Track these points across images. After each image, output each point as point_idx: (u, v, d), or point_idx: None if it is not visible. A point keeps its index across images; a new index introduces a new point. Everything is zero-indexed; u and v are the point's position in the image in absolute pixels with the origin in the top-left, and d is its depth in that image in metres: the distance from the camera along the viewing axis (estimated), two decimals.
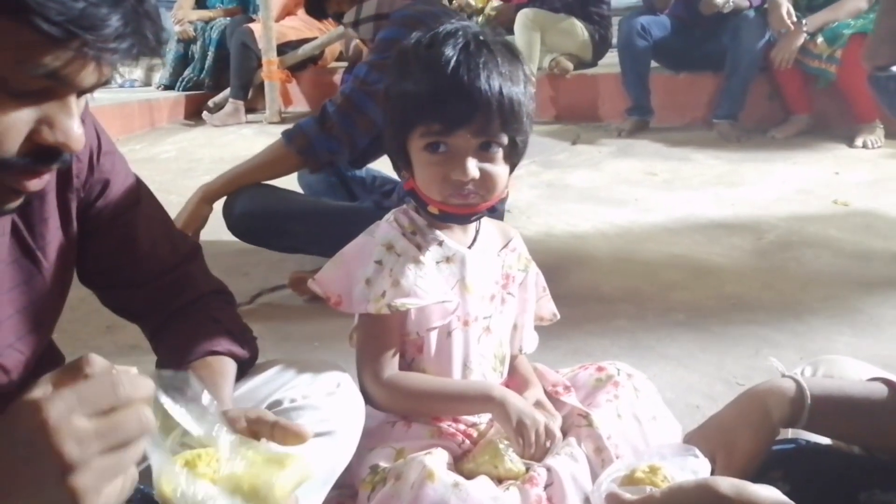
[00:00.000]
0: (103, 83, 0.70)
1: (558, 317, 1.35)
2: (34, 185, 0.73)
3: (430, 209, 1.16)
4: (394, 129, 1.15)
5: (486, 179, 1.11)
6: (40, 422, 0.53)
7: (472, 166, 1.09)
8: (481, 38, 1.11)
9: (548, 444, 1.11)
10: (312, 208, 2.24)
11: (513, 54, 1.13)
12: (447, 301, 1.16)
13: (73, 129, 0.70)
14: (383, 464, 1.08)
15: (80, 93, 0.71)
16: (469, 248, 1.20)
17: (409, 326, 1.17)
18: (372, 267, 1.14)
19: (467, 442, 1.16)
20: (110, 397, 0.56)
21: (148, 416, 0.59)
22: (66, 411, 0.54)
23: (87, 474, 0.54)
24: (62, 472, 0.53)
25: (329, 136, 2.06)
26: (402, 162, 1.17)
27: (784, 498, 0.75)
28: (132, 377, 0.58)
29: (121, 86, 5.98)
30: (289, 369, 1.05)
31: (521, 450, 1.09)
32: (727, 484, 0.77)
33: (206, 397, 0.70)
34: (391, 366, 1.15)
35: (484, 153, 1.11)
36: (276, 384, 1.02)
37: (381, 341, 1.16)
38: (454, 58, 1.07)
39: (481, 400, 1.14)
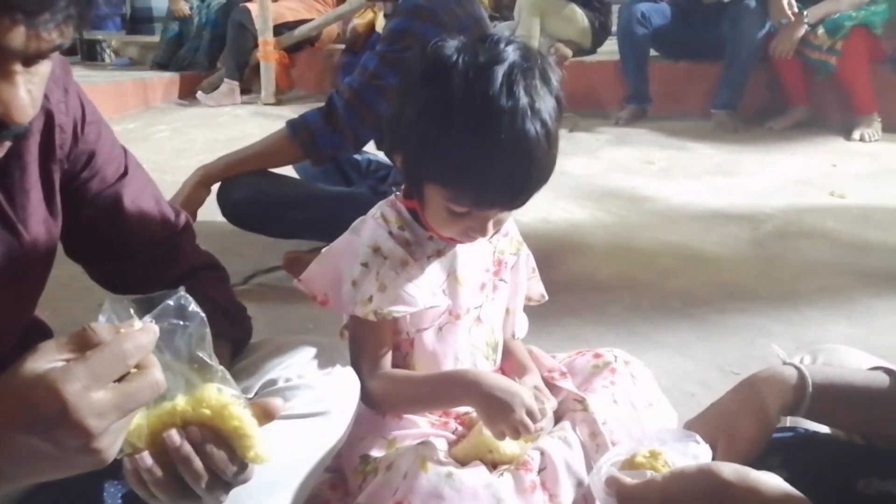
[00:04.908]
0: (51, 49, 0.64)
1: (546, 298, 1.31)
2: None
3: (429, 232, 1.11)
4: (412, 161, 1.04)
5: (496, 225, 1.07)
6: (60, 403, 0.56)
7: (491, 225, 1.05)
8: (543, 116, 0.96)
9: (539, 419, 1.05)
10: (308, 194, 2.21)
11: (560, 104, 1.01)
12: (436, 306, 1.12)
13: (15, 99, 0.64)
14: (374, 453, 1.07)
15: (27, 60, 0.65)
16: None
17: (400, 326, 1.14)
18: (358, 269, 1.10)
19: (461, 428, 1.14)
20: (121, 367, 0.60)
21: (159, 380, 0.62)
22: (82, 389, 0.57)
23: (107, 436, 0.59)
24: (86, 442, 0.58)
25: (335, 130, 2.01)
26: (413, 188, 1.07)
27: (786, 484, 0.74)
28: (136, 340, 0.61)
29: (114, 64, 5.93)
30: (284, 348, 1.03)
31: (501, 433, 1.03)
32: (729, 470, 0.76)
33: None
34: (382, 365, 1.13)
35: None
36: (272, 363, 1.00)
37: (372, 343, 1.12)
38: (518, 138, 0.94)
39: (459, 388, 1.08)
